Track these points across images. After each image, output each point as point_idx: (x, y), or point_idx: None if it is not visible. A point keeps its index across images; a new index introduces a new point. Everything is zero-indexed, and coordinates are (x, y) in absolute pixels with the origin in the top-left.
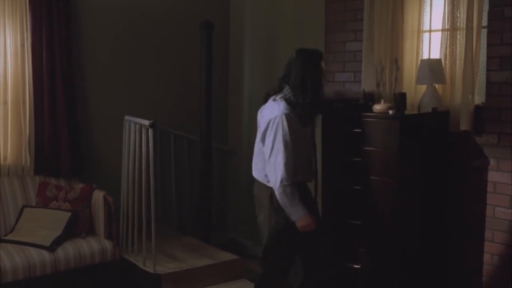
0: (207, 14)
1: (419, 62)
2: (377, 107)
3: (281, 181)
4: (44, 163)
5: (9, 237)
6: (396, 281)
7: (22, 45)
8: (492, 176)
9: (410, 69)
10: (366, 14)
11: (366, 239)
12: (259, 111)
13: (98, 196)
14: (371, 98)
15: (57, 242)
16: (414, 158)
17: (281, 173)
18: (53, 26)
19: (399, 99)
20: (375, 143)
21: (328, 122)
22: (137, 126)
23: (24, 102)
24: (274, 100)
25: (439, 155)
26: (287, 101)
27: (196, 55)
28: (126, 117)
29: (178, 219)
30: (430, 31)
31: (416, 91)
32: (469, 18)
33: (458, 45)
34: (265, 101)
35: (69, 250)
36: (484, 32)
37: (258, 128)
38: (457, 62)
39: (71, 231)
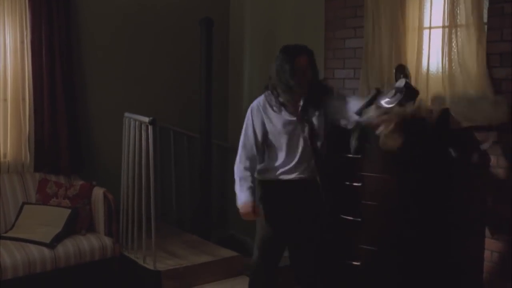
0: (207, 11)
1: (420, 60)
2: None
3: (236, 167)
4: (44, 160)
5: (9, 234)
6: (396, 279)
7: (22, 42)
8: (492, 172)
9: (410, 67)
10: (366, 11)
11: (366, 236)
12: None
13: (98, 193)
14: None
15: (57, 239)
16: (414, 154)
17: (237, 159)
18: (52, 23)
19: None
20: (374, 140)
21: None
22: (137, 123)
23: (23, 99)
24: None
25: (439, 152)
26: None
27: (196, 52)
28: (126, 114)
29: (178, 216)
30: (430, 28)
31: (417, 88)
32: (468, 15)
33: (458, 42)
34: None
35: (69, 247)
36: (483, 28)
37: None
38: (458, 59)
39: (71, 228)
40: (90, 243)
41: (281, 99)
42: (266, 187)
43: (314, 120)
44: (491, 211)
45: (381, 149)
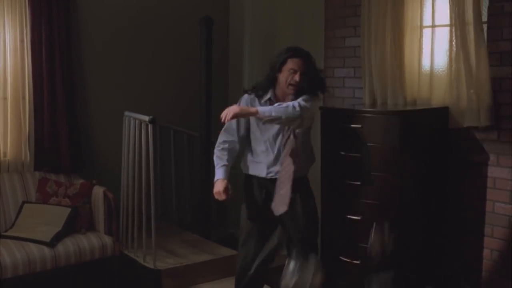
0: (207, 10)
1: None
2: None
3: (215, 147)
4: (44, 159)
5: (9, 233)
6: (396, 277)
7: (22, 41)
8: (492, 171)
9: (411, 65)
10: (363, 10)
11: (366, 235)
12: None
13: (98, 191)
14: None
15: (57, 238)
16: (414, 154)
17: (218, 140)
18: (52, 22)
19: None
20: (375, 139)
21: (328, 118)
22: (137, 122)
23: (23, 98)
24: None
25: (438, 151)
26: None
27: (196, 51)
28: (126, 113)
29: (178, 214)
30: (432, 26)
31: (418, 87)
32: (469, 13)
33: (457, 40)
34: None
35: (69, 246)
36: (484, 27)
37: None
38: (458, 57)
39: (71, 227)
40: (90, 242)
41: (268, 95)
42: (248, 183)
43: None
44: (490, 210)
45: (381, 148)
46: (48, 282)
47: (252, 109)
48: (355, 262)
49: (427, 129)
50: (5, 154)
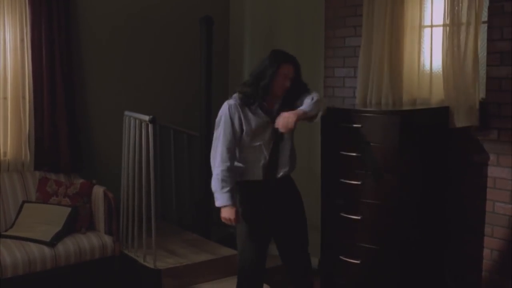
0: (207, 10)
1: (420, 58)
2: None
3: (217, 166)
4: (44, 158)
5: (9, 233)
6: (396, 277)
7: (22, 40)
8: (492, 171)
9: (411, 65)
10: (365, 9)
11: (366, 235)
12: None
13: (98, 191)
14: None
15: (57, 238)
16: (414, 153)
17: (218, 158)
18: (52, 21)
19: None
20: (375, 139)
21: (328, 118)
22: (137, 121)
23: (23, 97)
24: None
25: (439, 151)
26: (241, 92)
27: (196, 50)
28: (126, 113)
29: (178, 214)
30: (431, 26)
31: (418, 86)
32: (469, 13)
33: (458, 40)
34: None
35: (69, 246)
36: (484, 27)
37: None
38: (457, 57)
39: (71, 227)
40: (90, 242)
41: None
42: (243, 189)
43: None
44: (490, 210)
45: (380, 148)
46: (48, 281)
47: (300, 112)
48: (355, 262)
49: (427, 129)
50: (5, 153)
